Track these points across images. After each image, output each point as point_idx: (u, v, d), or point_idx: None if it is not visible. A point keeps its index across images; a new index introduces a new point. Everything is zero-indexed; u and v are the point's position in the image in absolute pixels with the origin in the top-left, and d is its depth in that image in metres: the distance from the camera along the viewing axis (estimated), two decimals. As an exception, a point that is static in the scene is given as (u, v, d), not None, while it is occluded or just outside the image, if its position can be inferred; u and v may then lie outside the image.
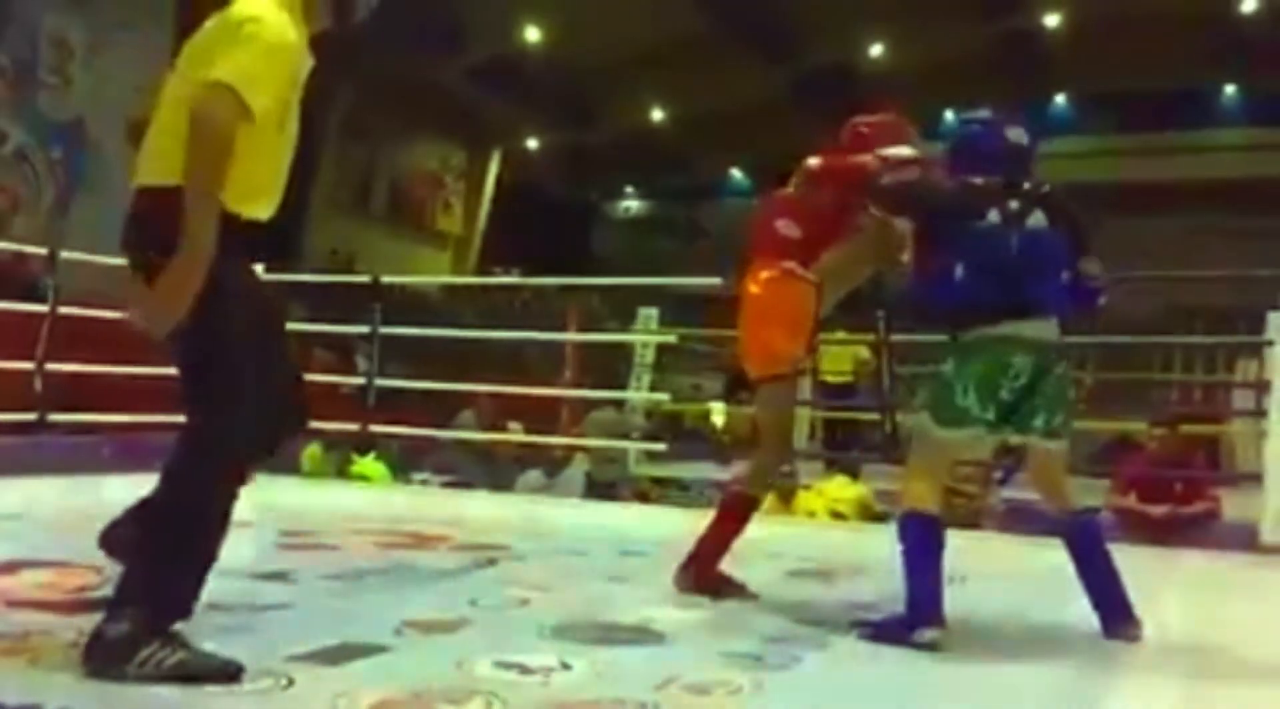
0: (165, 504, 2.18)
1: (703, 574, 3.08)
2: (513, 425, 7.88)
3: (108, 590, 2.68)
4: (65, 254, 6.30)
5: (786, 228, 3.11)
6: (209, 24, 2.30)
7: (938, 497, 2.79)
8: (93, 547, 3.32)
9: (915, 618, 2.61)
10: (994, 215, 2.81)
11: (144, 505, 2.47)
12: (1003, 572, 3.85)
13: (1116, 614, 2.78)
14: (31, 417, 5.70)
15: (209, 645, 2.22)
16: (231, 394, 2.17)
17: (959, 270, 2.78)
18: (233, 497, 2.27)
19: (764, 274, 3.09)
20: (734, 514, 3.16)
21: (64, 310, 5.93)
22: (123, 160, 13.10)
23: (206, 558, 2.17)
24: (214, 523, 2.20)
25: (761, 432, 3.22)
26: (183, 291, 2.09)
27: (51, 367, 5.82)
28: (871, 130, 3.14)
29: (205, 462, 2.18)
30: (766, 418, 3.19)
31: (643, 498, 6.81)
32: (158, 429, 6.63)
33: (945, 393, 2.75)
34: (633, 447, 7.58)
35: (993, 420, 2.74)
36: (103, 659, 2.01)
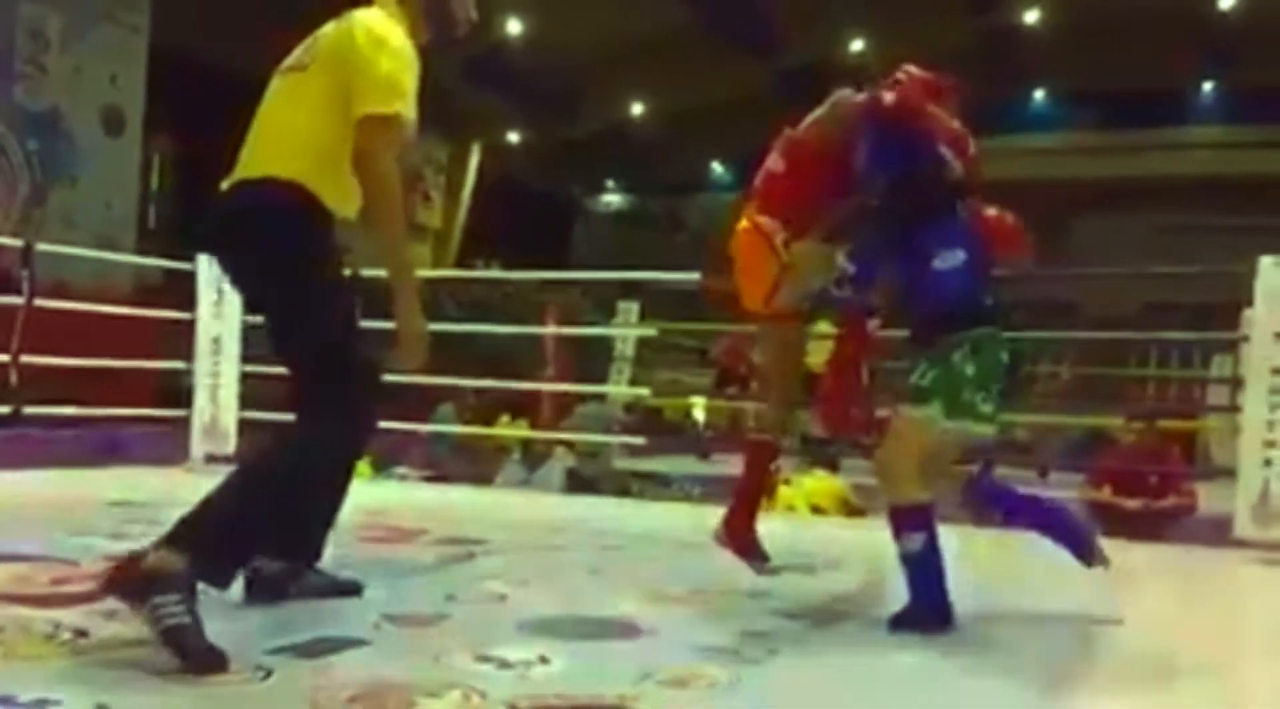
0: (270, 472, 2.26)
1: (733, 530, 3.15)
2: (503, 418, 7.84)
3: (83, 585, 2.68)
4: (41, 246, 6.25)
5: (773, 162, 3.03)
6: (334, 32, 2.40)
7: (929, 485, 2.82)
8: (67, 540, 3.32)
9: (941, 607, 2.69)
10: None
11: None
12: (976, 565, 3.87)
13: (1079, 538, 2.92)
14: (6, 410, 5.65)
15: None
16: (347, 380, 2.29)
17: (963, 266, 2.76)
18: (320, 491, 2.40)
19: (743, 221, 3.03)
20: (751, 465, 3.22)
21: (40, 302, 5.88)
22: (99, 150, 13.00)
23: (259, 540, 2.28)
24: (301, 509, 2.34)
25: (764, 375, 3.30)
26: (416, 320, 2.26)
27: (26, 359, 5.77)
28: (910, 82, 2.98)
29: (324, 440, 2.30)
30: (762, 361, 3.26)
31: (623, 492, 6.81)
32: (133, 422, 6.61)
33: (961, 387, 2.72)
34: (614, 441, 7.58)
35: (990, 415, 2.77)
36: (133, 583, 2.04)
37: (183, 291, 6.70)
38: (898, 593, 2.81)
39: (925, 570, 2.71)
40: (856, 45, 19.94)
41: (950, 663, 2.44)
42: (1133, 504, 5.82)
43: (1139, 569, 4.11)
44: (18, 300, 5.74)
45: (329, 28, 2.44)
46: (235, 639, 2.21)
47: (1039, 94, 23.93)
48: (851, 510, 5.78)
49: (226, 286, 6.37)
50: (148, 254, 11.61)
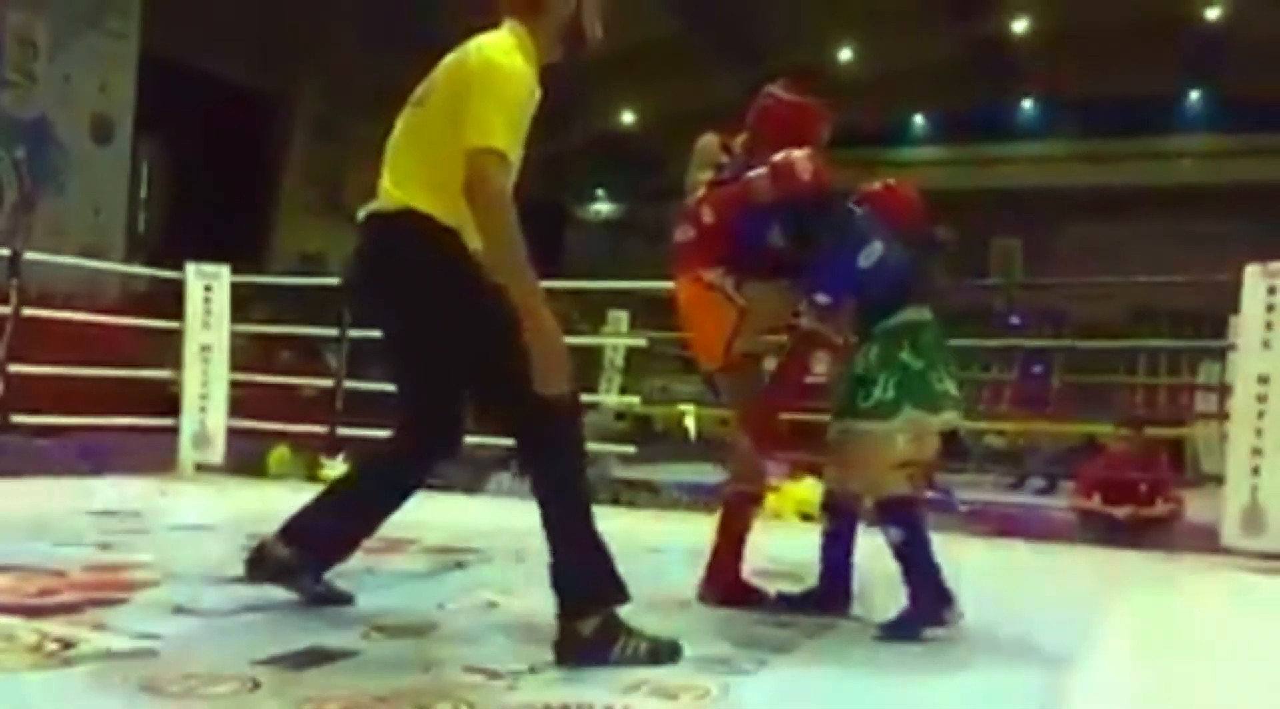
0: (559, 508, 2.34)
1: (721, 585, 3.04)
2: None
3: (69, 595, 2.67)
4: (29, 254, 6.23)
5: (682, 233, 3.07)
6: (452, 63, 2.43)
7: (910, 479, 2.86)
8: (53, 551, 3.31)
9: (941, 599, 2.70)
10: None
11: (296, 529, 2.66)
12: (962, 571, 3.88)
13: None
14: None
15: (176, 649, 2.21)
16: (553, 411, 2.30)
17: (883, 255, 2.83)
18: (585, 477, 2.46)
19: (680, 279, 3.06)
20: (729, 516, 3.13)
21: (27, 311, 5.86)
22: (88, 158, 12.96)
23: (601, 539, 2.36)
24: (590, 506, 2.39)
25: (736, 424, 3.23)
26: (551, 339, 2.24)
27: (14, 368, 5.75)
28: (778, 106, 3.03)
29: (564, 451, 2.36)
30: (733, 411, 3.21)
31: (613, 501, 6.80)
32: (121, 431, 6.58)
33: (922, 381, 2.78)
34: (606, 449, 7.57)
35: (954, 396, 2.86)
36: (586, 655, 2.25)
37: (171, 300, 6.69)
38: (888, 601, 2.82)
39: (914, 561, 2.74)
40: (844, 54, 20.01)
41: (940, 672, 2.44)
42: (1121, 512, 5.83)
43: (1127, 577, 4.13)
44: (5, 309, 5.72)
45: (449, 58, 2.46)
46: (223, 651, 2.21)
47: (1027, 103, 24.02)
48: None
49: (215, 295, 6.36)
50: (136, 262, 11.58)
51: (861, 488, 2.90)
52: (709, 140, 3.13)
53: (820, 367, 2.90)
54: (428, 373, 2.58)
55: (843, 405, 2.89)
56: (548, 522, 2.35)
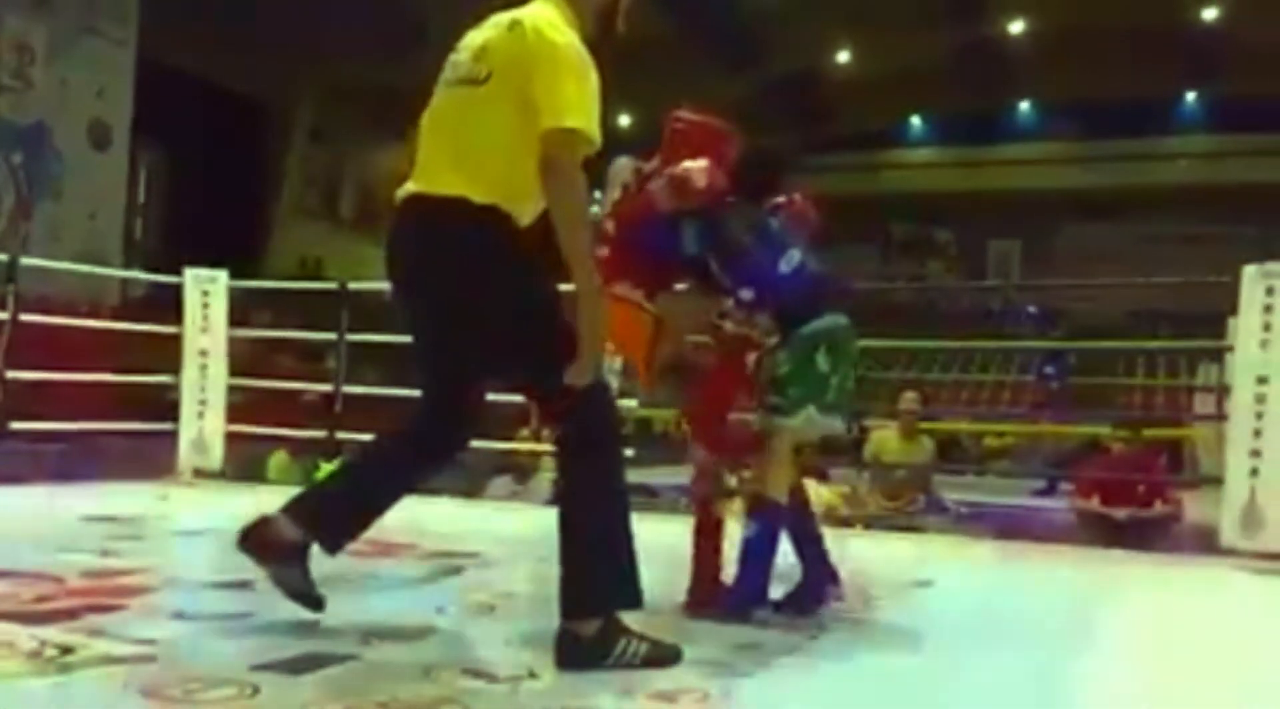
0: (580, 503, 2.33)
1: (701, 596, 3.03)
2: (523, 432, 7.80)
3: (68, 601, 2.67)
4: (26, 260, 6.22)
5: (599, 252, 3.09)
6: (507, 40, 2.33)
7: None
8: (52, 557, 3.30)
9: (754, 596, 2.83)
10: None
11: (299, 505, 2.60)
12: (961, 574, 3.88)
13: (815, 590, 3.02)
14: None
15: (175, 654, 2.21)
16: (591, 386, 2.30)
17: (803, 260, 2.90)
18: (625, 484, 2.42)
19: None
20: (697, 527, 3.12)
21: (25, 317, 5.85)
22: (85, 164, 12.96)
23: (631, 545, 2.34)
24: (627, 513, 2.36)
25: None
26: (600, 333, 2.24)
27: (12, 374, 5.74)
28: (689, 129, 3.07)
29: (600, 456, 2.34)
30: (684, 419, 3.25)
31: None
32: (118, 437, 6.58)
33: (825, 384, 2.86)
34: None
35: (841, 405, 2.93)
36: (584, 656, 2.25)
37: (169, 305, 6.69)
38: (889, 604, 2.82)
39: (753, 559, 2.85)
40: (842, 56, 20.04)
41: (940, 673, 2.44)
42: (1120, 513, 5.85)
43: (1127, 578, 4.13)
44: (3, 315, 5.72)
45: (495, 34, 2.37)
46: (221, 657, 2.21)
47: (1024, 105, 24.06)
48: (840, 521, 5.78)
49: (212, 300, 6.36)
50: (134, 268, 11.58)
51: (757, 473, 2.96)
52: (622, 162, 3.17)
53: (749, 368, 2.95)
54: (468, 364, 2.54)
55: (761, 403, 2.95)
56: (565, 516, 2.33)
